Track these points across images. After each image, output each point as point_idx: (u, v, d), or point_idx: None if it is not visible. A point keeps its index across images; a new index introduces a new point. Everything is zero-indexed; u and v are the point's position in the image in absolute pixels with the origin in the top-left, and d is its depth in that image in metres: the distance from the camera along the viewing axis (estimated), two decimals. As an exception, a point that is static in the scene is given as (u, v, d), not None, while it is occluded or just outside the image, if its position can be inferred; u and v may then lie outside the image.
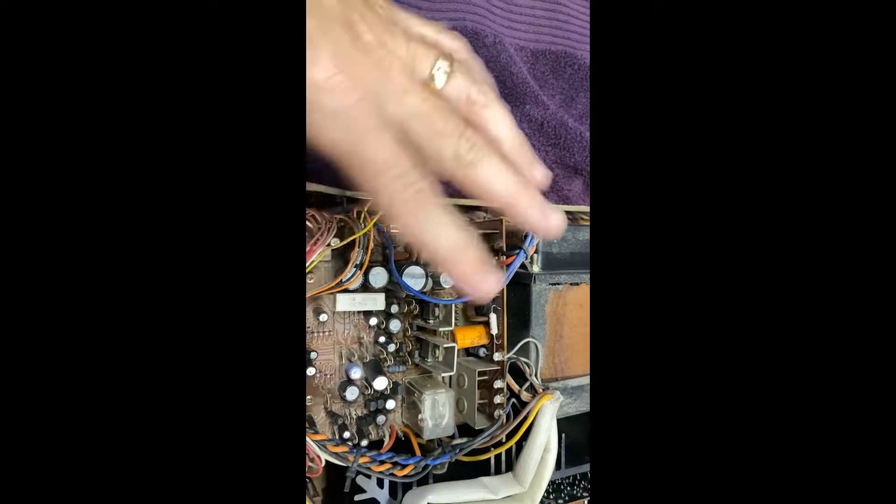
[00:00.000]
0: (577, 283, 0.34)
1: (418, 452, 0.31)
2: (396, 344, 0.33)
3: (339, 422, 0.31)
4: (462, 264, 0.20)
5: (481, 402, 0.32)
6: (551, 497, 0.35)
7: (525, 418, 0.31)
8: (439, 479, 0.32)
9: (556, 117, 0.47)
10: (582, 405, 0.35)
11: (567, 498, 0.35)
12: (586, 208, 0.42)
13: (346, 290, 0.30)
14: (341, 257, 0.31)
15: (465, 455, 0.32)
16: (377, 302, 0.31)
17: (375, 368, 0.32)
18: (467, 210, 0.37)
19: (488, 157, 0.21)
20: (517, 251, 0.31)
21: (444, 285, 0.33)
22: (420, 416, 0.31)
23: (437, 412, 0.31)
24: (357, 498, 0.31)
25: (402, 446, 0.32)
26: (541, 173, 0.24)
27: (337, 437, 0.30)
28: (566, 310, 0.34)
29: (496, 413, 0.32)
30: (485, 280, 0.20)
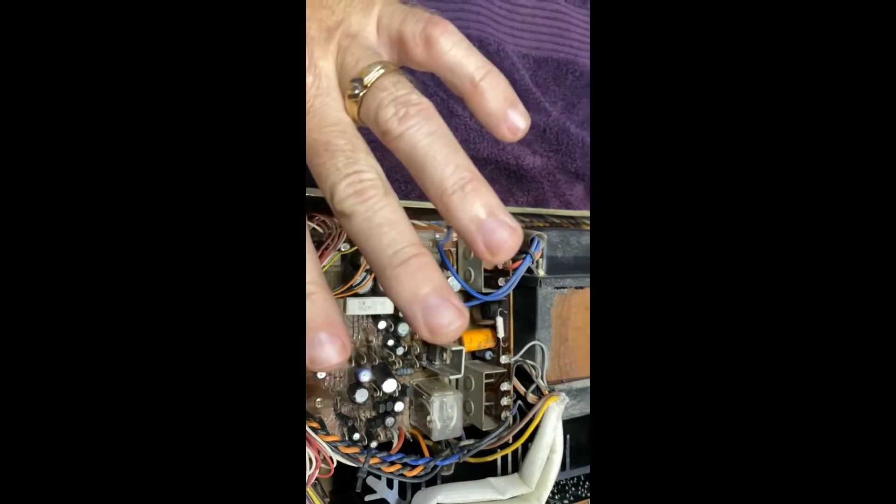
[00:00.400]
0: (581, 287, 0.35)
1: (427, 454, 0.32)
2: (405, 347, 0.33)
3: (349, 424, 0.31)
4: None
5: (488, 404, 0.33)
6: (556, 497, 0.35)
7: (531, 420, 0.32)
8: (447, 479, 0.32)
9: (557, 123, 0.48)
10: (586, 407, 0.35)
11: (572, 498, 0.35)
12: (588, 213, 0.42)
13: (356, 295, 0.30)
14: (351, 262, 0.31)
15: (473, 456, 0.32)
16: (386, 306, 0.31)
17: (384, 371, 0.32)
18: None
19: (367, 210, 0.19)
20: (523, 255, 0.31)
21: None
22: (428, 418, 0.32)
23: (446, 414, 0.32)
24: (367, 498, 0.32)
25: (410, 448, 0.33)
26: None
27: (347, 438, 0.31)
28: (571, 313, 0.34)
29: (503, 415, 0.32)
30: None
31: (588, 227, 0.41)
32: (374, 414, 0.33)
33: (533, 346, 0.33)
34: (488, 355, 0.34)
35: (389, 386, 0.31)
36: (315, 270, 0.18)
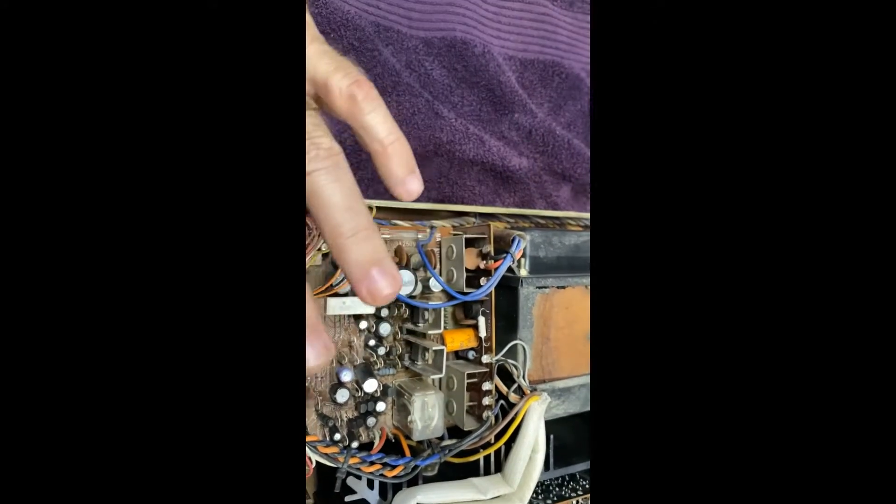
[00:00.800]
0: (563, 287, 0.35)
1: (408, 453, 0.32)
2: (386, 347, 0.33)
3: (330, 424, 0.31)
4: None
5: (470, 403, 0.33)
6: (540, 498, 0.35)
7: (513, 419, 0.32)
8: (429, 480, 0.32)
9: (544, 125, 0.48)
10: (570, 407, 0.35)
11: (556, 498, 0.35)
12: (574, 213, 0.43)
13: (337, 294, 0.30)
14: (331, 262, 0.31)
15: (455, 456, 0.32)
16: (367, 305, 0.31)
17: (366, 371, 0.32)
18: (458, 215, 0.38)
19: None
20: (504, 255, 0.32)
21: (433, 290, 0.34)
22: (410, 418, 0.32)
23: (427, 414, 0.32)
24: (347, 499, 0.32)
25: (392, 448, 0.33)
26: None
27: (328, 438, 0.31)
28: (553, 312, 0.34)
29: (485, 414, 0.32)
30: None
31: (572, 228, 0.41)
32: (355, 414, 0.33)
33: (515, 345, 0.33)
34: (471, 355, 0.34)
35: (370, 386, 0.31)
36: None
